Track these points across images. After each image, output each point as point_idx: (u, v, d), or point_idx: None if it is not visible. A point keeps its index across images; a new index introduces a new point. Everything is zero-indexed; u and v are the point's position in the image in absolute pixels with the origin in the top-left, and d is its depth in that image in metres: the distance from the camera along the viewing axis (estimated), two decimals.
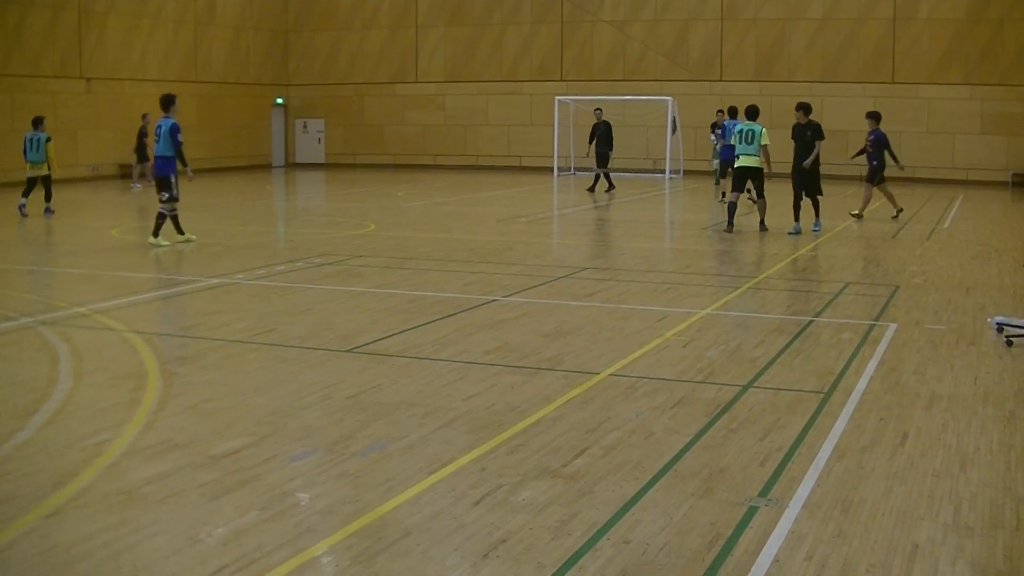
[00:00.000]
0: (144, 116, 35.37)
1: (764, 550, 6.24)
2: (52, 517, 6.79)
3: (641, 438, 8.29)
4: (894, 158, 25.73)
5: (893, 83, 40.28)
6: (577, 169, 41.77)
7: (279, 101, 49.42)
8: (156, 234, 19.69)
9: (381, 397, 9.53)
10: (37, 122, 27.04)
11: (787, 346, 11.60)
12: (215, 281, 16.14)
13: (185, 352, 11.50)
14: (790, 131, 23.52)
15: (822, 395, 9.61)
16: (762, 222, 22.70)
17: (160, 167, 19.76)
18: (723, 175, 30.16)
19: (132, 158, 36.36)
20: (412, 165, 46.12)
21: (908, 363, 10.94)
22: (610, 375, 10.29)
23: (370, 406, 9.22)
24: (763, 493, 7.12)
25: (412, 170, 44.72)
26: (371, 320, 13.28)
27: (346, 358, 11.11)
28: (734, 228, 22.44)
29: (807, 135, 23.26)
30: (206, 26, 44.95)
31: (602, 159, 34.57)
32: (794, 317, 13.21)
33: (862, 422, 8.76)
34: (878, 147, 25.83)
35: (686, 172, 40.04)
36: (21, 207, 26.04)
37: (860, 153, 26.59)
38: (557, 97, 41.55)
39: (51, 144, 26.83)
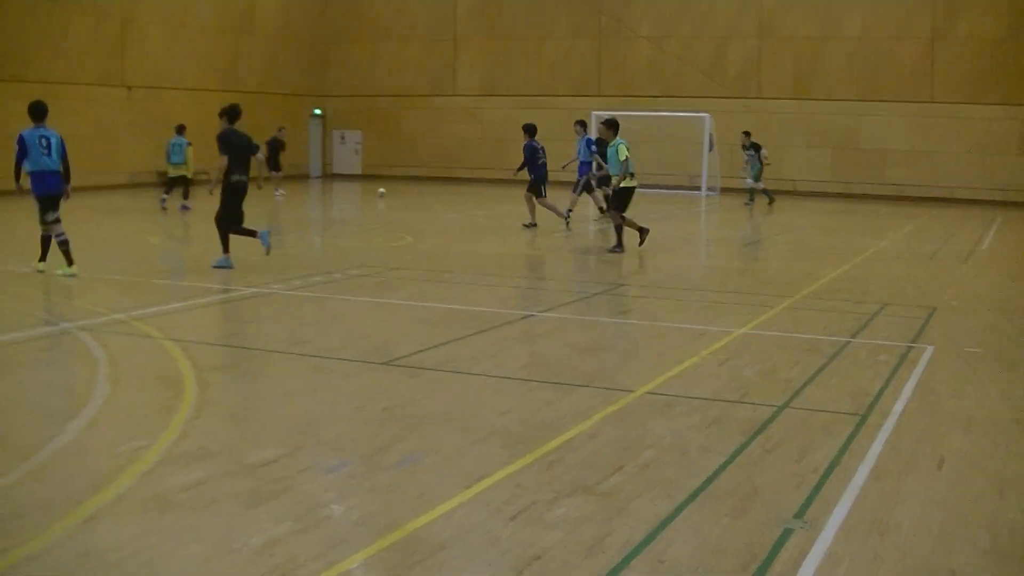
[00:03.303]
0: (280, 129, 36.35)
1: (799, 572, 6.21)
2: (88, 522, 6.82)
3: (676, 457, 8.27)
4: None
5: (932, 102, 40.08)
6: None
7: (317, 112, 49.55)
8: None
9: (416, 410, 9.54)
10: (181, 129, 30.93)
11: (823, 367, 11.56)
12: (252, 291, 16.18)
13: (221, 360, 11.54)
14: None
15: (858, 417, 9.55)
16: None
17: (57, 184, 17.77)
18: None
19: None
20: (448, 177, 46.13)
21: (946, 386, 10.88)
22: (645, 393, 10.26)
23: (405, 419, 9.23)
24: (798, 514, 7.08)
25: (448, 182, 44.76)
26: (406, 332, 13.30)
27: (381, 370, 11.12)
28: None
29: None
30: (245, 36, 45.14)
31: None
32: (830, 337, 13.14)
33: (899, 445, 8.71)
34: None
35: (723, 189, 39.92)
36: (163, 201, 30.22)
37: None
38: (594, 112, 41.45)
39: (191, 148, 30.73)
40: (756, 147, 35.17)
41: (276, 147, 35.24)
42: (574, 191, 28.09)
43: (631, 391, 10.30)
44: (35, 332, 13.00)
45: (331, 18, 49.49)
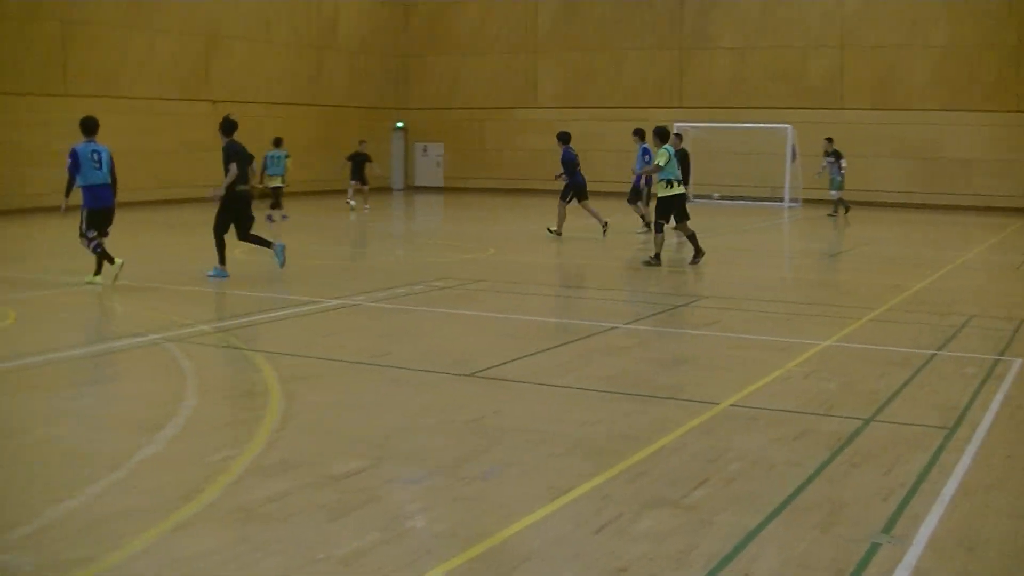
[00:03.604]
0: (362, 142, 36.43)
1: None
2: (176, 531, 6.88)
3: (762, 470, 8.23)
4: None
5: (1019, 111, 39.61)
6: (696, 196, 41.59)
7: (400, 125, 49.80)
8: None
9: (500, 422, 9.55)
10: (278, 142, 32.11)
11: (909, 379, 11.45)
12: (335, 302, 16.28)
13: (306, 372, 11.60)
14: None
15: (946, 431, 9.45)
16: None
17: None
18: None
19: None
20: (529, 190, 46.16)
21: None
22: (730, 405, 10.21)
23: (489, 430, 9.25)
24: (886, 529, 7.02)
25: (529, 194, 44.76)
26: (489, 344, 13.33)
27: (465, 382, 11.15)
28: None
29: None
30: (328, 50, 45.48)
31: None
32: (916, 350, 13.02)
33: (988, 459, 8.61)
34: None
35: (805, 201, 39.66)
36: (269, 217, 30.70)
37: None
38: (676, 124, 41.35)
39: (290, 160, 32.16)
40: (837, 155, 34.92)
41: (359, 161, 35.40)
42: (629, 201, 28.20)
43: (715, 404, 10.26)
44: (123, 343, 13.16)
45: (413, 32, 49.77)
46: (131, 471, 8.09)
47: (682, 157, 29.34)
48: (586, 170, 27.94)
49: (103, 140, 17.84)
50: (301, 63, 44.23)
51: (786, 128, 39.72)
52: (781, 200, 39.92)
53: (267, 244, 19.08)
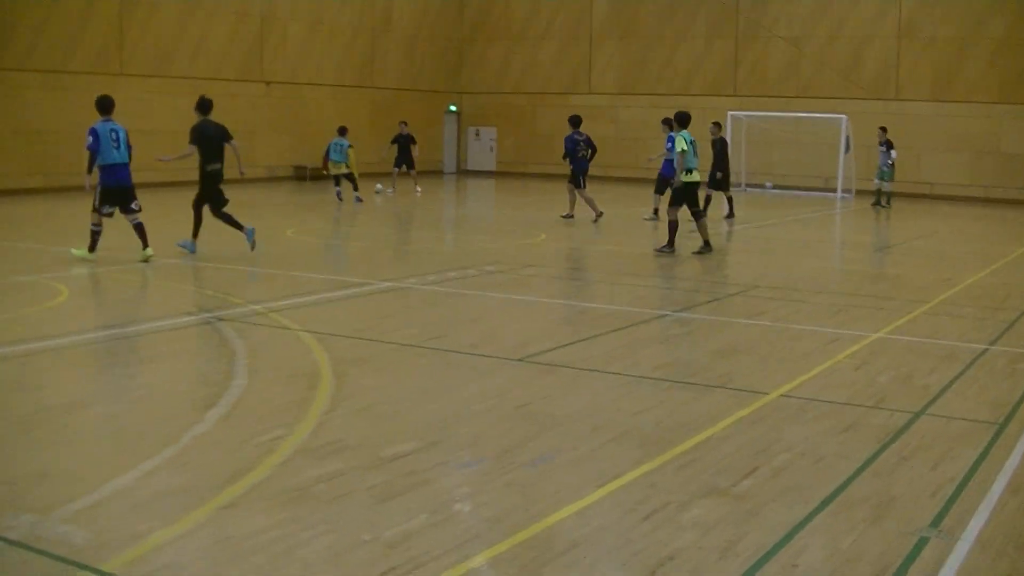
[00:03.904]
0: (402, 123, 36.34)
1: None
2: (227, 509, 6.97)
3: (810, 462, 8.22)
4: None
5: None
6: (748, 185, 41.46)
7: (452, 108, 49.86)
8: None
9: (550, 408, 9.58)
10: (342, 131, 32.62)
11: (960, 374, 11.40)
12: (387, 285, 16.36)
13: (357, 354, 11.67)
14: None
15: (996, 426, 9.41)
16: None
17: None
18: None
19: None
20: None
21: None
22: (780, 396, 10.20)
23: (539, 416, 9.28)
24: (934, 524, 7.01)
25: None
26: (541, 330, 13.38)
27: (515, 367, 11.20)
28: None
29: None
30: (382, 34, 45.55)
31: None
32: (968, 344, 12.96)
33: None
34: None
35: (858, 192, 39.39)
36: (338, 193, 32.19)
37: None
38: (730, 112, 41.19)
39: (352, 149, 32.62)
40: (888, 145, 34.74)
41: (404, 143, 35.40)
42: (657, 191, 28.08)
43: (765, 394, 10.25)
44: (176, 322, 13.26)
45: (467, 17, 49.80)
46: (183, 449, 8.18)
47: (720, 147, 29.16)
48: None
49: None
50: (355, 46, 44.33)
51: (841, 118, 39.44)
52: (834, 191, 39.69)
53: (239, 227, 19.35)
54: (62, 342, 12.03)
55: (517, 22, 48.86)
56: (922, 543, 6.68)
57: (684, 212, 21.05)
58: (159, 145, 35.09)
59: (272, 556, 6.27)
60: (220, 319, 13.29)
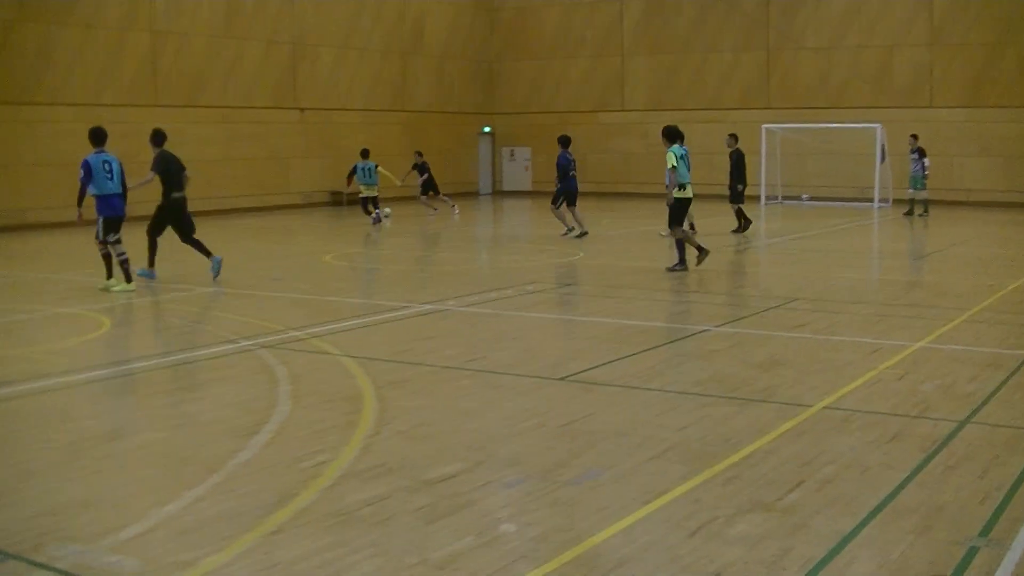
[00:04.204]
0: (417, 153, 36.78)
1: None
2: (274, 535, 6.97)
3: (856, 473, 8.19)
4: None
5: None
6: (784, 198, 41.38)
7: (486, 129, 49.96)
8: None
9: (593, 426, 9.58)
10: (365, 153, 34.03)
11: (1005, 381, 11.33)
12: (427, 307, 16.39)
13: (398, 377, 11.69)
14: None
15: None
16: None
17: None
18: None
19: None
20: (615, 193, 46.12)
21: None
22: (823, 408, 10.17)
23: (582, 435, 9.28)
24: (983, 533, 6.96)
25: (615, 198, 44.72)
26: (581, 348, 13.37)
27: (557, 386, 11.19)
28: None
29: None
30: (412, 56, 45.72)
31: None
32: (1011, 351, 12.88)
33: None
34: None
35: (895, 201, 39.25)
36: (374, 217, 33.22)
37: None
38: (764, 125, 41.16)
39: (380, 168, 33.75)
40: (921, 152, 34.65)
41: (423, 170, 35.56)
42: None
43: (809, 406, 10.22)
44: (218, 350, 13.31)
45: (498, 36, 49.93)
46: (228, 476, 8.21)
47: (736, 159, 28.93)
48: None
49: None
50: (387, 69, 44.52)
51: (875, 127, 39.33)
52: (871, 200, 39.55)
53: (208, 254, 19.49)
54: (105, 372, 12.11)
55: (548, 40, 48.97)
56: (972, 552, 6.63)
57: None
58: (192, 174, 35.45)
59: None
60: (261, 346, 13.34)
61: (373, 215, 33.17)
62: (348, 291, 18.34)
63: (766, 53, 44.53)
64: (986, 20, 40.62)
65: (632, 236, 27.75)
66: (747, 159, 29.49)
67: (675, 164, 20.39)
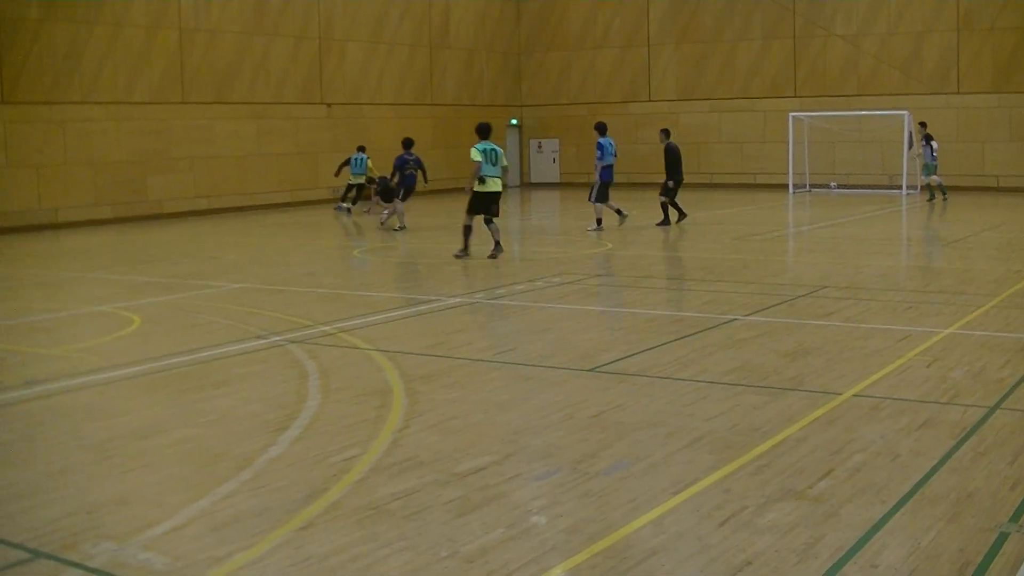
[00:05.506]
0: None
1: None
2: (305, 530, 7.01)
3: (886, 460, 8.17)
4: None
5: None
6: (812, 186, 41.28)
7: (513, 122, 49.94)
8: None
9: (623, 417, 9.59)
10: (361, 148, 35.99)
11: None
12: (456, 300, 16.42)
13: (428, 370, 11.71)
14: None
15: None
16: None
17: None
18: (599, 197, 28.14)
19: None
20: (645, 183, 45.98)
21: None
22: (853, 396, 10.16)
23: (612, 425, 9.29)
24: (1014, 519, 6.94)
25: (645, 188, 44.55)
26: (610, 339, 13.38)
27: (587, 377, 11.21)
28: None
29: None
30: (440, 50, 45.73)
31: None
32: None
33: None
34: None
35: (923, 188, 39.09)
36: (340, 207, 35.53)
37: None
38: (791, 114, 41.08)
39: (371, 162, 35.56)
40: (929, 139, 34.60)
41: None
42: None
43: (838, 394, 10.21)
44: (248, 345, 13.36)
45: (525, 29, 49.90)
46: (258, 472, 8.24)
47: (671, 153, 28.49)
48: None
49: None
50: (414, 63, 44.55)
51: (903, 114, 39.18)
52: (899, 188, 39.42)
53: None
54: (136, 369, 12.16)
55: (574, 32, 48.92)
56: (1002, 538, 6.62)
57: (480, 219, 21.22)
58: (222, 170, 35.60)
59: (351, 574, 6.31)
60: (290, 341, 13.39)
61: (346, 205, 35.22)
62: (378, 285, 18.38)
63: (793, 41, 44.39)
64: (1015, 5, 40.36)
65: (661, 227, 27.68)
66: (681, 152, 29.11)
67: (479, 158, 21.26)
